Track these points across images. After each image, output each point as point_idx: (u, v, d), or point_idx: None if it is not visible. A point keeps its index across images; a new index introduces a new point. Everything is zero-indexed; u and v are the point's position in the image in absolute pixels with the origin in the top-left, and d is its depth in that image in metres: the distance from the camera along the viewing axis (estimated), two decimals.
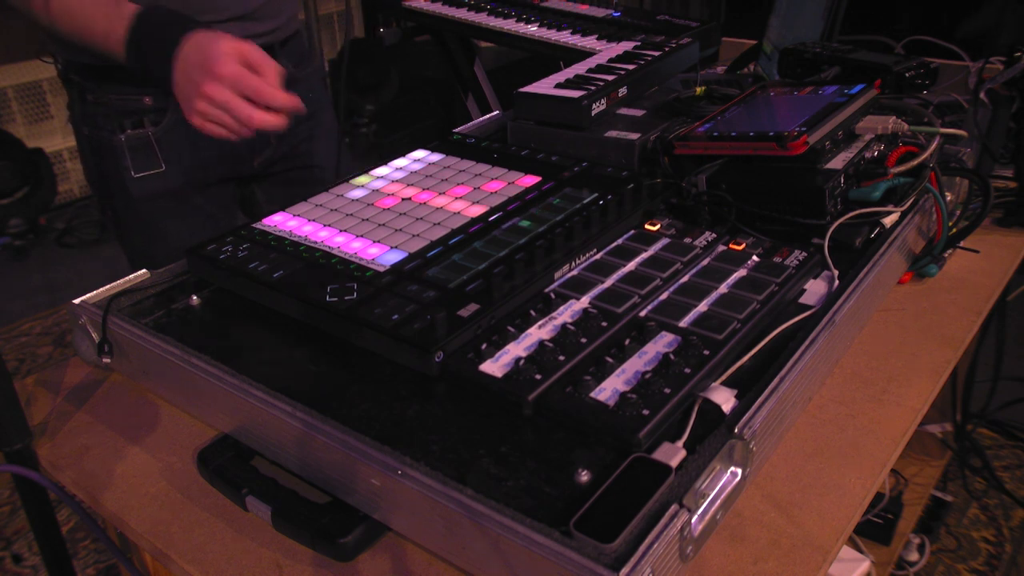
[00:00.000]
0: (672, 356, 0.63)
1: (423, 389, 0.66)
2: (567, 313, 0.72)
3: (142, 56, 0.87)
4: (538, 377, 0.63)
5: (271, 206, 0.93)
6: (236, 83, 0.84)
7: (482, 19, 1.51)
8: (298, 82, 1.25)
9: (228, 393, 0.67)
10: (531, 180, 0.94)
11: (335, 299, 0.73)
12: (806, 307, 0.74)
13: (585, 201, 0.88)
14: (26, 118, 3.36)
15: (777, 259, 0.78)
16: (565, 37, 1.38)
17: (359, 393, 0.67)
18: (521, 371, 0.64)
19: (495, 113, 1.29)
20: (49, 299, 2.88)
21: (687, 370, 0.63)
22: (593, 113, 1.02)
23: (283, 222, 0.88)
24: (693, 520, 0.52)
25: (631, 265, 0.78)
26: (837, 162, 0.85)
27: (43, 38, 1.11)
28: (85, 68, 1.09)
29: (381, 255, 0.80)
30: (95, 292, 0.81)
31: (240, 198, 1.29)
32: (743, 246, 0.80)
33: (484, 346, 0.67)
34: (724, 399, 0.60)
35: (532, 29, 1.43)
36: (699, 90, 1.10)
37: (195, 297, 0.82)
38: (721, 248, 0.81)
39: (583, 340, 0.67)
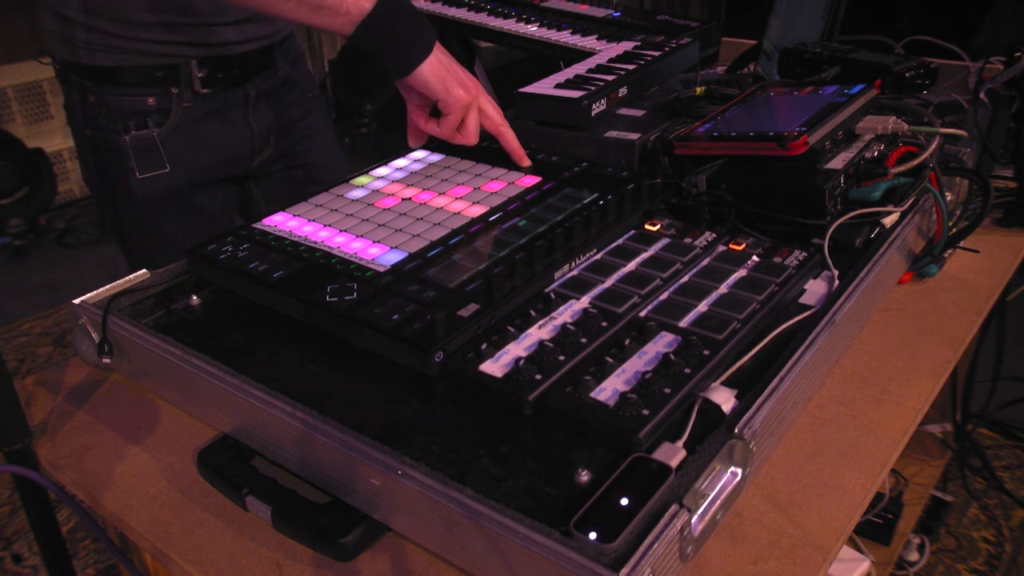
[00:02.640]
0: (672, 356, 0.63)
1: (423, 389, 0.66)
2: (567, 313, 0.72)
3: (390, 27, 0.91)
4: (538, 377, 0.63)
5: (269, 205, 0.94)
6: (491, 100, 0.97)
7: (482, 19, 1.50)
8: (295, 82, 1.25)
9: (228, 393, 0.67)
10: (531, 180, 0.94)
11: (335, 299, 0.73)
12: (806, 307, 0.74)
13: (585, 201, 0.88)
14: (26, 118, 3.36)
15: (777, 259, 0.78)
16: (565, 37, 1.38)
17: (359, 393, 0.67)
18: (521, 371, 0.64)
19: None
20: (49, 299, 2.88)
21: (687, 370, 0.63)
22: (593, 113, 1.02)
23: (283, 222, 0.88)
24: (693, 520, 0.52)
25: (631, 265, 0.78)
26: (837, 162, 0.85)
27: (44, 37, 1.11)
28: (86, 69, 1.09)
29: (381, 255, 0.80)
30: (95, 292, 0.81)
31: (239, 198, 1.29)
32: (743, 246, 0.80)
33: (484, 346, 0.67)
34: (724, 399, 0.60)
35: (532, 29, 1.43)
36: (699, 90, 1.09)
37: (195, 297, 0.82)
38: (721, 248, 0.81)
39: (583, 340, 0.67)
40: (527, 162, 0.99)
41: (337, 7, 0.89)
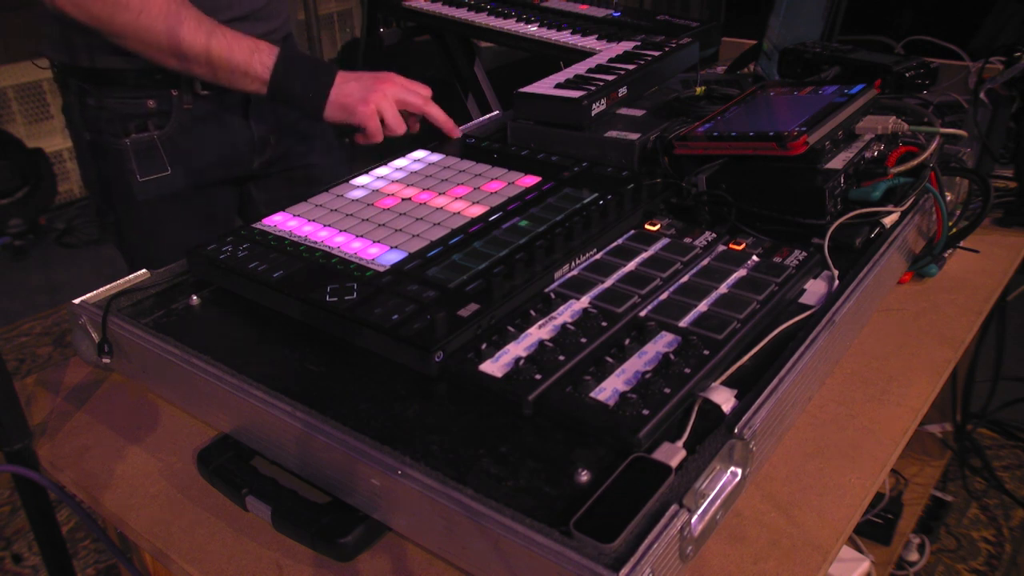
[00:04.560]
0: (672, 356, 0.63)
1: (423, 389, 0.66)
2: (567, 313, 0.72)
3: (291, 83, 1.02)
4: (538, 377, 0.63)
5: (269, 206, 0.94)
6: (409, 86, 1.07)
7: (482, 19, 1.51)
8: None
9: (228, 393, 0.67)
10: (531, 180, 0.94)
11: (335, 299, 0.73)
12: (806, 307, 0.74)
13: (585, 201, 0.88)
14: (26, 118, 3.36)
15: (777, 259, 0.78)
16: (565, 37, 1.38)
17: (359, 393, 0.67)
18: (521, 371, 0.64)
19: (495, 113, 1.29)
20: (49, 299, 2.88)
21: (687, 370, 0.63)
22: (593, 113, 1.02)
23: (283, 222, 0.88)
24: (693, 520, 0.52)
25: (631, 265, 0.78)
26: (837, 162, 0.85)
27: (41, 39, 1.11)
28: (85, 72, 1.08)
29: (381, 255, 0.80)
30: (95, 292, 0.81)
31: (238, 199, 1.29)
32: (743, 246, 0.80)
33: (484, 346, 0.67)
34: (724, 399, 0.60)
35: (532, 29, 1.43)
36: (699, 90, 1.10)
37: (195, 297, 0.82)
38: (721, 248, 0.81)
39: (583, 340, 0.67)
40: (457, 133, 1.09)
41: (245, 73, 1.01)
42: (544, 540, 0.49)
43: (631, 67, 1.13)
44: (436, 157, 1.03)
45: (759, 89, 1.03)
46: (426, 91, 1.08)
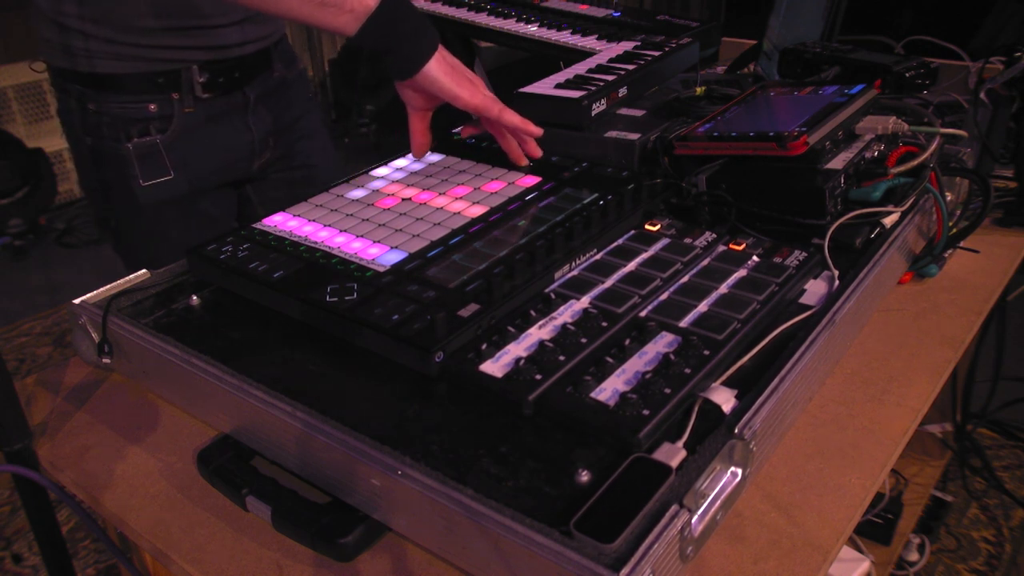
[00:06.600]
0: (672, 356, 0.63)
1: (423, 389, 0.66)
2: (567, 313, 0.72)
3: (397, 23, 0.89)
4: (538, 377, 0.63)
5: (266, 208, 0.93)
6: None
7: (482, 19, 1.50)
8: (291, 83, 1.25)
9: (228, 393, 0.67)
10: (531, 180, 0.94)
11: (335, 299, 0.73)
12: (806, 307, 0.74)
13: (585, 201, 0.88)
14: (26, 118, 3.36)
15: (777, 259, 0.78)
16: (565, 37, 1.38)
17: (359, 393, 0.67)
18: (521, 371, 0.64)
19: None
20: (49, 299, 2.88)
21: (687, 370, 0.63)
22: (593, 113, 1.02)
23: (283, 222, 0.88)
24: (693, 520, 0.52)
25: (631, 265, 0.78)
26: (837, 162, 0.85)
27: (39, 44, 1.11)
28: (86, 77, 1.08)
29: (381, 255, 0.80)
30: (95, 292, 0.81)
31: (236, 202, 1.29)
32: (743, 246, 0.80)
33: (484, 346, 0.67)
34: (724, 399, 0.60)
35: (532, 29, 1.43)
36: (699, 90, 1.10)
37: (195, 297, 0.82)
38: (721, 248, 0.81)
39: (583, 340, 0.67)
40: (530, 161, 0.99)
41: (341, 4, 0.86)
42: (544, 540, 0.49)
43: (631, 67, 1.13)
44: (436, 157, 1.03)
45: (759, 89, 1.03)
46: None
